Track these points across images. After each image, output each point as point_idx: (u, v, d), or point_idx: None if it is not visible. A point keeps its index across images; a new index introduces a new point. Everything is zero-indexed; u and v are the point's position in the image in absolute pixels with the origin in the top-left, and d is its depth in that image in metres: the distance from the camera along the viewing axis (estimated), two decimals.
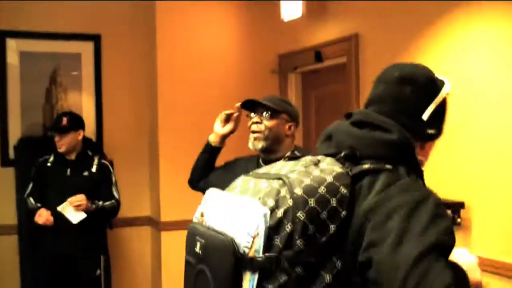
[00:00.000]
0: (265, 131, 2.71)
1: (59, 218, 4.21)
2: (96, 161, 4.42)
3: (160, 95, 5.22)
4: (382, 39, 4.21)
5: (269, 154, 2.77)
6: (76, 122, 4.38)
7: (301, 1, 4.63)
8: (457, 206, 3.47)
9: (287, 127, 2.76)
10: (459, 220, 3.45)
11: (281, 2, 4.85)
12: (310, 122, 5.33)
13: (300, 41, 5.17)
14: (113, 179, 4.46)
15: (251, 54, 5.46)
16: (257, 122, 2.73)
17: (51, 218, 4.19)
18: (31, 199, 4.33)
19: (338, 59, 4.71)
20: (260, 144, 2.72)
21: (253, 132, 2.73)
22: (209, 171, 3.05)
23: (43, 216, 4.19)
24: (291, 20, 4.87)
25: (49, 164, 4.39)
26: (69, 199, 4.15)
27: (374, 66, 4.30)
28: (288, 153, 2.69)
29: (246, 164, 2.91)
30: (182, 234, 5.61)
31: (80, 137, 4.36)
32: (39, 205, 4.29)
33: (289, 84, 5.42)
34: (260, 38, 5.48)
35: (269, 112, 2.73)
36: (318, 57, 4.85)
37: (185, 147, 5.26)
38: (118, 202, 4.42)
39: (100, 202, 4.30)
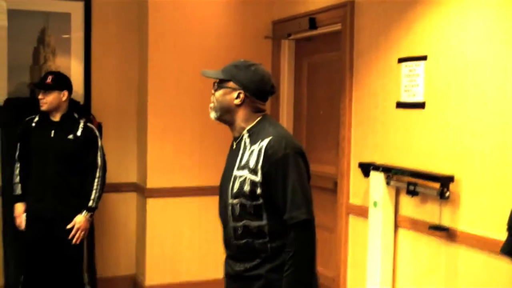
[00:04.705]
0: (214, 101, 2.61)
1: (43, 183, 4.18)
2: (81, 125, 4.31)
3: (150, 60, 5.10)
4: (378, 6, 4.09)
5: (230, 127, 2.64)
6: (61, 82, 4.26)
7: None
8: (447, 180, 3.40)
9: (234, 95, 2.56)
10: (448, 193, 3.38)
11: None
12: (302, 90, 5.23)
13: (295, 7, 5.05)
14: (99, 143, 4.34)
15: (245, 19, 5.33)
16: (212, 94, 2.63)
17: (21, 225, 4.30)
18: (18, 183, 4.31)
19: (333, 26, 4.60)
20: (212, 114, 2.62)
21: (211, 102, 2.65)
22: None
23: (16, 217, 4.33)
24: None
25: (33, 124, 4.30)
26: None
27: (369, 35, 4.19)
28: (250, 126, 2.55)
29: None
30: (167, 201, 5.64)
31: (65, 98, 4.24)
32: (19, 192, 4.32)
33: (282, 51, 5.32)
34: (254, 3, 5.34)
35: (217, 82, 2.62)
36: (313, 24, 4.73)
37: (175, 113, 5.18)
38: (102, 170, 4.31)
39: (91, 202, 4.24)
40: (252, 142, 2.51)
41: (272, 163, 2.42)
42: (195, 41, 5.20)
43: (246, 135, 2.55)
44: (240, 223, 2.49)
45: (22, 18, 5.07)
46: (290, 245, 2.41)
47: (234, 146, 2.61)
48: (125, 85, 5.35)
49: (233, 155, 2.60)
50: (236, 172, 2.51)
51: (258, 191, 2.43)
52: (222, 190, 2.60)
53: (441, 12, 3.55)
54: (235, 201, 2.48)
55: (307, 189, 2.46)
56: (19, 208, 4.31)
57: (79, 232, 4.20)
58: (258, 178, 2.43)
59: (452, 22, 3.47)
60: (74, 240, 4.19)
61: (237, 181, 2.49)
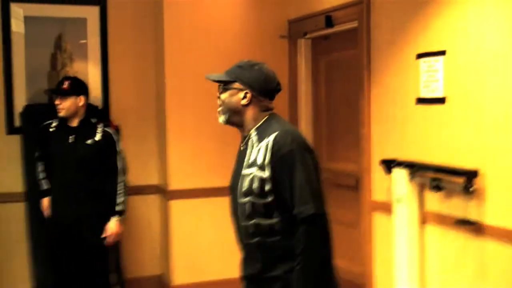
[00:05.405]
0: (221, 105, 2.62)
1: (63, 188, 4.23)
2: (100, 129, 4.31)
3: (168, 62, 5.13)
4: (394, 2, 4.09)
5: (240, 128, 2.66)
6: (78, 87, 4.27)
7: None
8: (471, 174, 3.40)
9: (240, 96, 2.57)
10: (473, 188, 3.38)
11: None
12: (320, 89, 5.24)
13: (311, 5, 5.05)
14: (118, 148, 4.35)
15: (260, 19, 5.34)
16: (218, 97, 2.64)
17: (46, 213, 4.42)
18: (43, 178, 4.40)
19: (349, 24, 4.60)
20: (220, 118, 2.63)
21: (218, 106, 2.66)
22: None
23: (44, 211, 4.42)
24: None
25: (51, 130, 4.31)
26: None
27: (386, 31, 4.19)
28: (258, 125, 2.57)
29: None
30: (190, 203, 5.62)
31: (81, 103, 4.25)
32: (45, 187, 4.40)
33: (298, 50, 5.32)
34: (269, 3, 5.36)
35: (222, 85, 2.62)
36: (329, 22, 4.73)
37: (193, 115, 5.20)
38: (123, 174, 4.33)
39: (120, 207, 4.27)
40: (259, 140, 2.51)
41: (278, 159, 2.42)
42: (211, 42, 5.22)
43: (253, 134, 2.56)
44: (251, 222, 2.48)
45: (38, 25, 5.12)
46: (299, 240, 2.38)
47: (242, 147, 2.62)
48: (143, 88, 5.38)
49: (241, 155, 2.60)
50: (244, 171, 2.51)
51: (267, 187, 2.43)
52: (232, 190, 2.60)
53: (459, 5, 3.54)
54: (245, 199, 2.48)
55: (315, 183, 2.44)
56: (47, 202, 4.38)
57: (114, 237, 4.27)
58: (266, 174, 2.43)
59: (471, 15, 3.46)
60: (110, 245, 4.28)
61: (246, 179, 2.48)
